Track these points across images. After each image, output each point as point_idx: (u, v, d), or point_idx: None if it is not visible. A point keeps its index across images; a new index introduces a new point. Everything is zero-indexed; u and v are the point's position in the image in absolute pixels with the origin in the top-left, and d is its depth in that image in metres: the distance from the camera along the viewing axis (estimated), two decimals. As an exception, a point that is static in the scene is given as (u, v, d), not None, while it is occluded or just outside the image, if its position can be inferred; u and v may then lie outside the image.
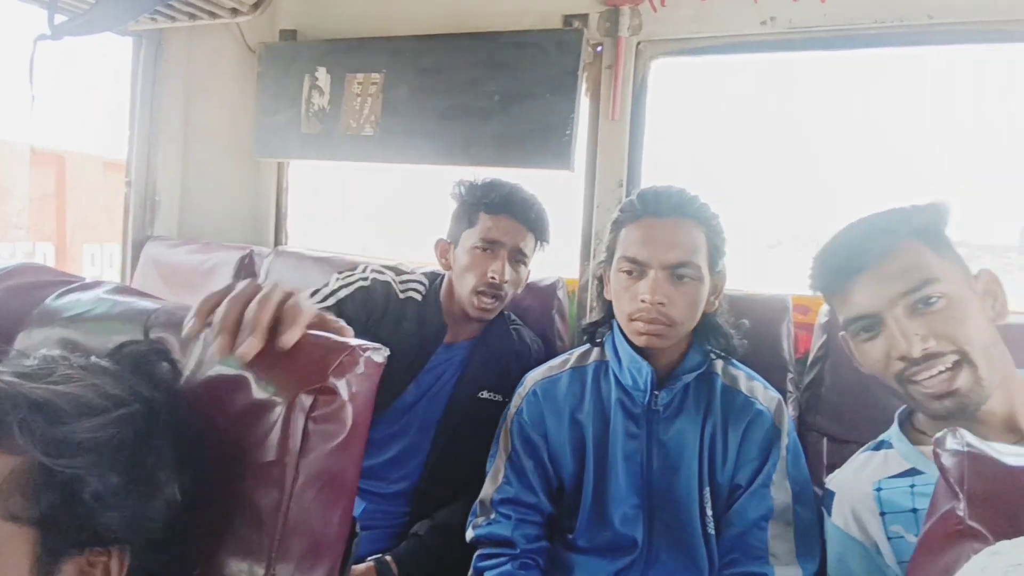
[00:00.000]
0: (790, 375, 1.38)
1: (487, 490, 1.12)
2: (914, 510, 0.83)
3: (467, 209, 1.30)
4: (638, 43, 1.70)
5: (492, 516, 1.09)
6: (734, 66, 1.72)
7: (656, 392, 1.06)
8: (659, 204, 1.03)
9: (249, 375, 0.62)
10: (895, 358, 0.84)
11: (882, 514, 0.86)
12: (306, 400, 0.61)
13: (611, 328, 1.13)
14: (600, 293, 1.15)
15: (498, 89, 1.77)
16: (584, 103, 1.75)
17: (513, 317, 1.44)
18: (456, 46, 1.83)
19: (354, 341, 0.69)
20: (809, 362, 1.40)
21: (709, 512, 1.03)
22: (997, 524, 0.45)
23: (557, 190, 1.70)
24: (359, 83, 1.95)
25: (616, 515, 1.06)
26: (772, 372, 1.38)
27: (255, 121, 2.15)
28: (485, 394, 1.29)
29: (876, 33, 1.51)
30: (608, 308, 1.12)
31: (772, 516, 1.00)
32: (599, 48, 1.74)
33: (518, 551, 1.05)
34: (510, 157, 1.76)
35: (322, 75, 2.00)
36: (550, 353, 1.38)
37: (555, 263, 1.73)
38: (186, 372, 0.64)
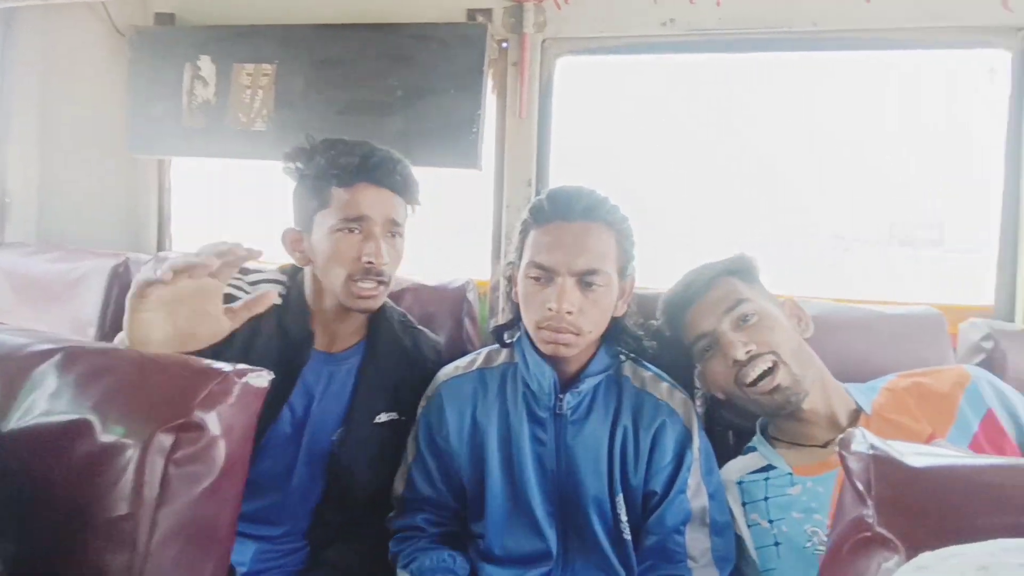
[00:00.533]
0: (697, 369, 1.41)
1: (397, 486, 1.12)
2: (766, 498, 1.03)
3: (312, 185, 1.06)
4: (543, 40, 1.68)
5: (404, 511, 1.10)
6: (641, 67, 1.74)
7: (561, 396, 1.03)
8: (568, 207, 0.98)
9: (91, 416, 0.52)
10: (730, 364, 1.03)
11: (743, 504, 1.05)
12: (165, 440, 0.52)
13: (521, 330, 1.09)
14: (509, 295, 1.10)
15: (400, 84, 1.69)
16: (491, 100, 1.71)
17: (406, 318, 1.25)
18: (355, 37, 1.73)
19: (227, 365, 0.60)
20: (714, 357, 1.43)
21: (624, 518, 1.01)
22: (907, 531, 0.45)
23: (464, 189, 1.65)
24: (248, 74, 1.80)
25: (527, 522, 1.03)
26: (680, 369, 1.39)
27: (128, 113, 1.93)
28: (383, 417, 1.12)
29: (767, 38, 1.58)
30: (518, 310, 1.08)
31: (690, 520, 1.00)
32: (504, 44, 1.70)
33: (431, 532, 1.08)
34: (415, 155, 1.67)
35: (206, 64, 1.83)
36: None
37: (465, 264, 1.68)
38: (11, 420, 0.53)
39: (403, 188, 1.09)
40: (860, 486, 0.49)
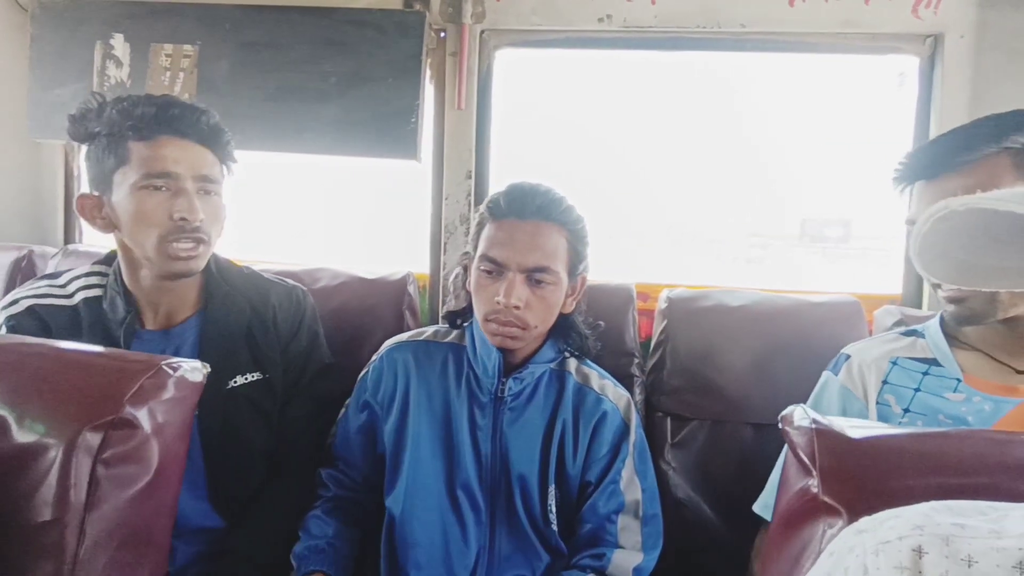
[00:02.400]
0: (636, 360, 1.44)
1: (331, 435, 1.17)
2: (917, 389, 0.93)
3: (108, 143, 0.96)
4: (482, 31, 1.67)
5: (323, 462, 1.15)
6: (579, 62, 1.76)
7: (504, 380, 1.06)
8: (523, 205, 1.00)
9: (6, 412, 0.48)
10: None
11: (884, 382, 0.95)
12: (93, 438, 0.48)
13: (472, 316, 1.10)
14: (464, 284, 1.11)
15: (334, 70, 1.63)
16: (429, 91, 1.68)
17: (250, 271, 1.19)
18: (284, 19, 1.65)
19: (159, 357, 0.56)
20: (652, 347, 1.47)
21: (553, 508, 1.04)
22: (849, 498, 0.48)
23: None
24: (168, 55, 1.68)
25: (455, 503, 1.04)
26: (619, 358, 1.43)
27: (29, 95, 1.77)
28: (239, 380, 1.07)
29: (699, 37, 1.63)
30: (470, 299, 1.09)
31: (623, 510, 1.04)
32: (442, 34, 1.68)
33: (330, 494, 1.10)
34: (351, 145, 1.63)
35: (119, 43, 1.70)
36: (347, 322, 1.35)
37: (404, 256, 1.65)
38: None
39: (212, 140, 1.02)
40: (805, 458, 0.51)
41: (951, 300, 0.88)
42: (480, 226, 1.06)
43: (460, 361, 1.10)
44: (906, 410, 0.93)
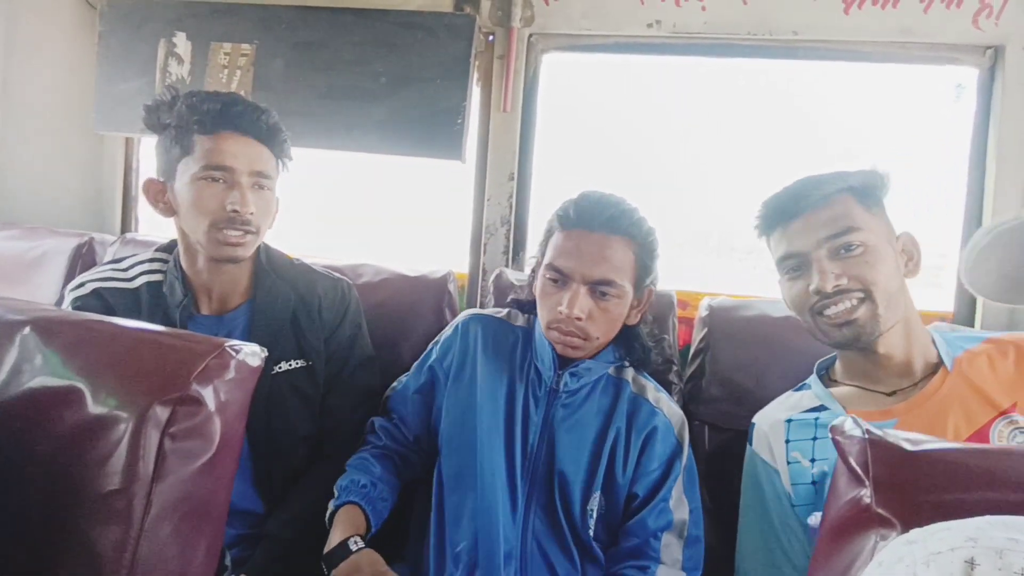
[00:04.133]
0: (675, 368, 1.43)
1: (388, 390, 1.20)
2: (814, 439, 1.00)
3: (175, 134, 1.03)
4: (530, 35, 1.68)
5: (378, 411, 1.17)
6: (628, 65, 1.76)
7: (560, 372, 1.06)
8: (592, 216, 1.00)
9: (83, 384, 0.50)
10: (812, 292, 0.96)
11: (787, 441, 1.02)
12: (162, 412, 0.50)
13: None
14: (531, 286, 1.12)
15: (385, 71, 1.67)
16: (475, 93, 1.70)
17: (299, 262, 1.23)
18: (338, 21, 1.70)
19: (222, 340, 0.58)
20: (691, 355, 1.45)
21: (594, 513, 1.03)
22: (903, 510, 0.47)
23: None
24: (226, 53, 1.75)
25: (495, 488, 1.03)
26: (659, 365, 1.42)
27: (96, 89, 1.85)
28: (284, 366, 1.11)
29: (750, 44, 1.61)
30: (534, 301, 1.11)
31: (669, 528, 1.03)
32: (491, 37, 1.70)
33: (380, 443, 1.13)
34: (398, 144, 1.67)
35: (181, 41, 1.77)
36: (388, 317, 1.37)
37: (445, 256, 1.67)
38: (-7, 385, 0.50)
39: (269, 138, 1.07)
40: (858, 468, 0.51)
41: (841, 324, 0.95)
42: (549, 233, 1.06)
43: (527, 347, 1.12)
44: (812, 460, 0.98)
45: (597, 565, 1.05)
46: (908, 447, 0.51)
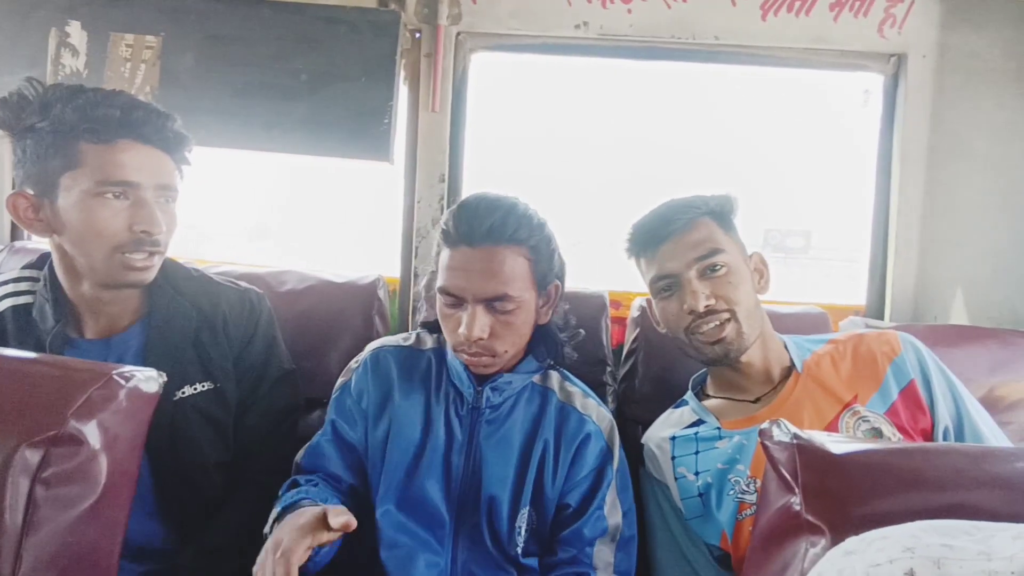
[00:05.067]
0: (609, 368, 1.44)
1: (298, 454, 1.08)
2: (696, 452, 1.05)
3: (53, 141, 0.89)
4: (458, 33, 1.65)
5: (293, 479, 1.04)
6: (558, 67, 1.75)
7: (479, 388, 1.02)
8: (472, 230, 0.93)
9: (-64, 429, 0.43)
10: (686, 312, 1.03)
11: (673, 458, 1.07)
12: (32, 456, 0.45)
13: None
14: (427, 298, 1.07)
15: (305, 68, 1.59)
16: (402, 92, 1.65)
17: (200, 274, 1.12)
18: (253, 14, 1.60)
19: (109, 366, 0.52)
20: (624, 355, 1.47)
21: (522, 531, 1.00)
22: (831, 516, 0.47)
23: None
24: (128, 45, 1.62)
25: (419, 519, 1.00)
26: (593, 366, 1.42)
27: (-23, 81, 1.67)
28: (188, 390, 1.00)
29: (674, 48, 1.64)
30: None
31: (604, 535, 1.01)
32: (417, 34, 1.65)
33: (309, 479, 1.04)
34: (322, 144, 1.59)
35: (75, 31, 1.62)
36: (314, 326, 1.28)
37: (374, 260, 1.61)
38: None
39: (175, 147, 0.97)
40: (787, 475, 0.51)
41: (712, 342, 1.03)
42: (438, 248, 1.01)
43: (442, 368, 1.07)
44: (697, 473, 1.03)
45: (532, 573, 1.03)
46: (835, 451, 0.51)
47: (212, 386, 1.03)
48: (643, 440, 1.16)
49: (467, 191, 1.71)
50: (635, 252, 1.11)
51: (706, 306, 1.01)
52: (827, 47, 1.60)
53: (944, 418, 0.98)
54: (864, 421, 0.98)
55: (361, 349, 1.23)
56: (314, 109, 1.59)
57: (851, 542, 0.42)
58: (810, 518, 0.47)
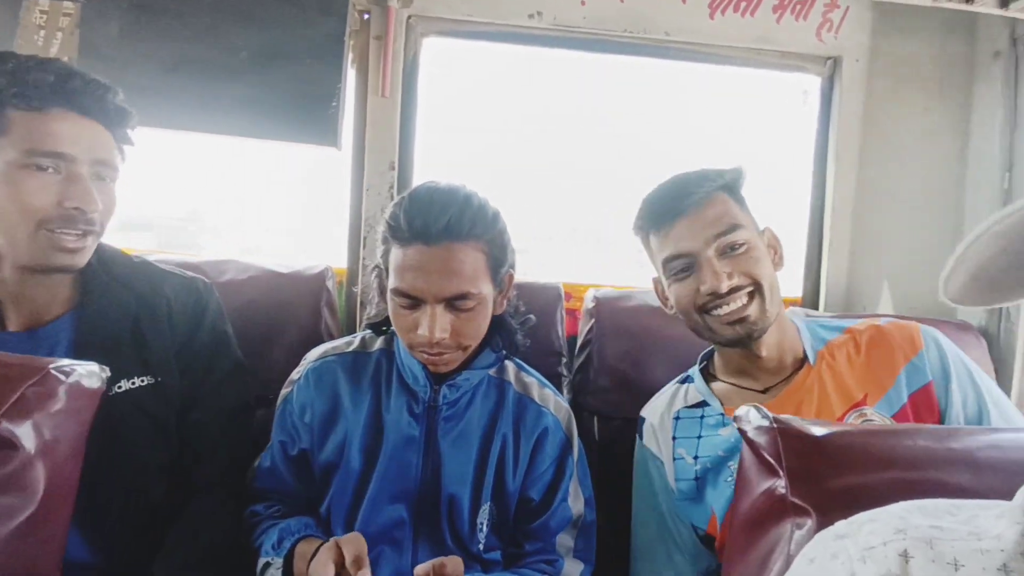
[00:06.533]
0: (564, 359, 1.44)
1: (249, 474, 1.06)
2: (699, 436, 1.02)
3: None
4: (408, 16, 1.60)
5: (249, 501, 1.04)
6: (511, 55, 1.73)
7: (437, 387, 1.00)
8: (428, 226, 0.88)
9: None
10: (705, 293, 0.96)
11: (674, 438, 1.04)
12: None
13: None
14: (382, 293, 1.02)
15: (246, 45, 1.50)
16: (351, 76, 1.59)
17: (139, 259, 1.06)
18: (187, -16, 1.49)
19: (47, 361, 0.47)
20: (579, 346, 1.47)
21: (484, 526, 1.00)
22: (816, 498, 0.48)
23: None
24: (43, 11, 1.47)
25: (379, 522, 0.97)
26: (547, 358, 1.42)
27: None
28: (124, 385, 0.92)
29: (625, 42, 1.65)
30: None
31: (569, 524, 1.03)
32: (366, 15, 1.59)
33: (268, 515, 1.02)
34: (264, 127, 1.50)
35: (-21, -8, 1.46)
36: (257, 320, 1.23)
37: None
38: None
39: (116, 122, 0.90)
40: (770, 459, 0.51)
41: (733, 322, 0.97)
42: (386, 244, 0.95)
43: (391, 368, 1.03)
44: (696, 457, 1.01)
45: (495, 565, 1.02)
46: (816, 433, 0.53)
47: (152, 380, 0.96)
48: (642, 413, 1.13)
49: (418, 179, 1.66)
50: (645, 228, 1.04)
51: (728, 287, 0.95)
52: (769, 48, 1.66)
53: (957, 421, 0.94)
54: (869, 423, 0.94)
55: (309, 343, 1.18)
56: (255, 89, 1.50)
57: (841, 526, 0.42)
58: (796, 500, 0.48)
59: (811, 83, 1.71)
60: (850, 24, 1.64)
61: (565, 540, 1.03)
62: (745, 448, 0.57)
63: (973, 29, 1.66)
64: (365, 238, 1.62)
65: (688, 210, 0.98)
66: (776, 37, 1.65)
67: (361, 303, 1.62)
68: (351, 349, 1.06)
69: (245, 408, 1.09)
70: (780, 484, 0.49)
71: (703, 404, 1.05)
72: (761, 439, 0.54)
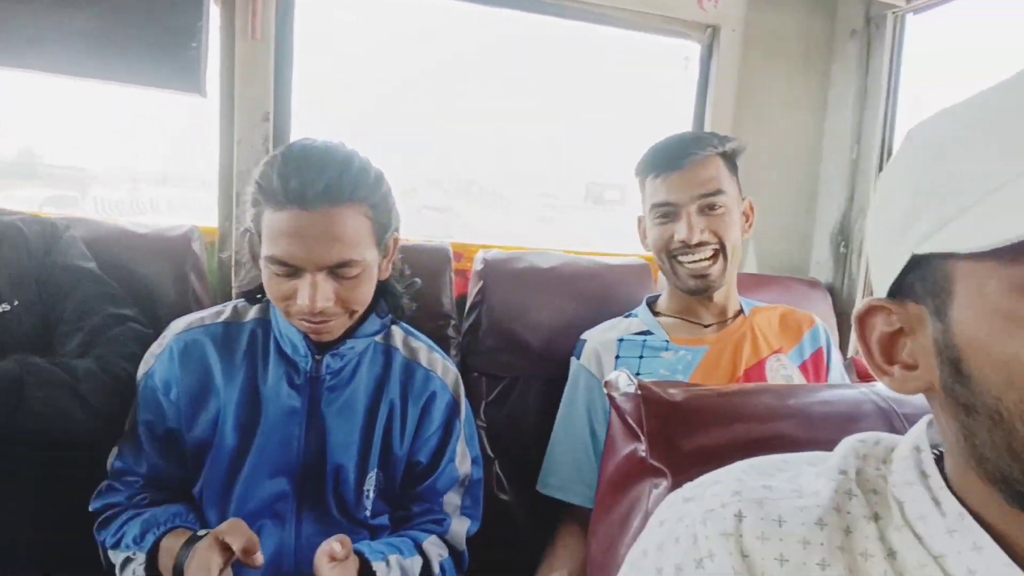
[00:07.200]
0: (452, 322, 1.44)
1: (110, 456, 0.99)
2: (640, 356, 1.18)
3: None
4: (280, -50, 1.46)
5: (108, 489, 0.97)
6: (394, 5, 1.63)
7: (319, 358, 0.96)
8: (306, 189, 0.82)
9: None
10: (677, 240, 1.13)
11: (617, 357, 1.19)
12: None
13: None
14: (255, 257, 0.95)
15: (84, -31, 1.30)
16: (215, 15, 1.43)
17: None
18: None
19: None
20: (468, 307, 1.47)
21: (371, 493, 0.99)
22: (672, 459, 0.52)
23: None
24: None
25: (259, 497, 0.95)
26: (436, 320, 1.41)
27: None
28: None
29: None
30: None
31: (456, 483, 1.04)
32: (230, -55, 1.43)
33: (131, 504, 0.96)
34: (111, 68, 1.32)
35: None
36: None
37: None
38: None
39: None
40: (633, 424, 0.55)
41: (696, 276, 1.15)
42: (257, 208, 0.88)
43: (267, 338, 0.98)
44: (637, 374, 1.15)
45: (383, 530, 1.02)
46: (676, 398, 0.56)
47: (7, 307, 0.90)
48: (583, 337, 1.27)
49: (297, 133, 1.56)
50: (645, 172, 1.19)
51: (698, 240, 1.11)
52: (655, 12, 1.68)
53: (834, 379, 1.21)
54: (784, 367, 1.16)
55: (175, 314, 1.08)
56: (101, 23, 1.30)
57: (688, 488, 0.46)
58: (654, 462, 0.52)
59: (692, 50, 1.77)
60: (729, -6, 1.70)
61: (452, 499, 1.05)
62: (613, 413, 0.60)
63: (834, 8, 1.79)
64: (238, 195, 1.50)
65: (684, 166, 1.13)
66: (661, 2, 1.68)
67: (236, 265, 1.51)
68: (222, 319, 0.99)
69: (120, 320, 1.03)
70: (641, 448, 0.53)
71: (647, 333, 1.21)
72: (627, 405, 0.57)
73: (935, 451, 0.44)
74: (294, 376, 0.96)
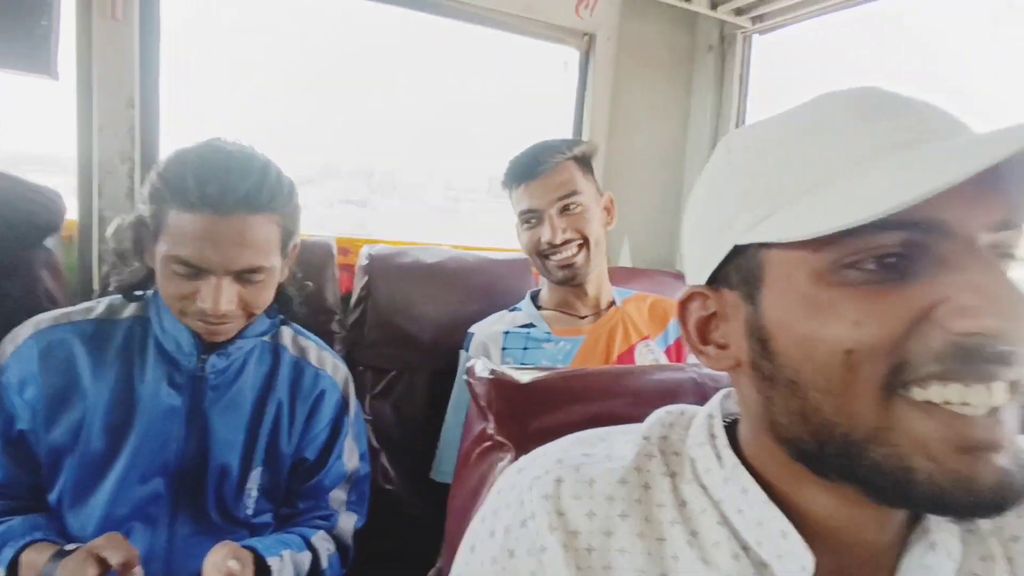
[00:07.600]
0: (337, 317, 1.44)
1: None
2: (525, 348, 1.28)
3: None
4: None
5: None
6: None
7: (204, 356, 0.94)
8: (223, 195, 0.82)
9: None
10: (544, 242, 1.24)
11: (503, 349, 1.28)
12: None
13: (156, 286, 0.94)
14: (138, 252, 0.92)
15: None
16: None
17: None
18: None
19: None
20: (353, 303, 1.48)
21: (253, 492, 0.98)
22: (515, 434, 0.58)
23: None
24: None
25: (130, 501, 0.91)
26: (320, 315, 1.41)
27: None
28: None
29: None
30: (150, 271, 0.93)
31: (343, 479, 1.05)
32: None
33: None
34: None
35: None
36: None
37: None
38: None
39: None
40: (484, 405, 0.60)
41: (564, 266, 1.26)
42: (159, 203, 0.86)
43: (146, 336, 0.94)
44: (522, 364, 1.25)
45: (264, 528, 1.02)
46: (521, 381, 0.63)
47: None
48: (471, 330, 1.35)
49: (166, 121, 1.48)
50: (509, 183, 1.29)
51: (562, 239, 1.23)
52: (535, 18, 1.76)
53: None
54: (651, 352, 1.27)
55: (28, 312, 1.01)
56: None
57: (522, 460, 0.52)
58: (499, 438, 0.58)
59: (571, 55, 1.87)
60: (603, 4, 1.81)
61: (339, 495, 1.05)
62: (471, 398, 0.65)
63: (694, 23, 1.96)
64: (100, 186, 1.41)
65: (540, 174, 1.24)
66: (542, 8, 1.75)
67: (99, 263, 1.42)
68: (93, 316, 0.94)
69: None
70: (490, 426, 0.59)
71: (530, 325, 1.31)
72: (480, 389, 0.63)
73: (727, 419, 0.52)
74: (175, 375, 0.94)
